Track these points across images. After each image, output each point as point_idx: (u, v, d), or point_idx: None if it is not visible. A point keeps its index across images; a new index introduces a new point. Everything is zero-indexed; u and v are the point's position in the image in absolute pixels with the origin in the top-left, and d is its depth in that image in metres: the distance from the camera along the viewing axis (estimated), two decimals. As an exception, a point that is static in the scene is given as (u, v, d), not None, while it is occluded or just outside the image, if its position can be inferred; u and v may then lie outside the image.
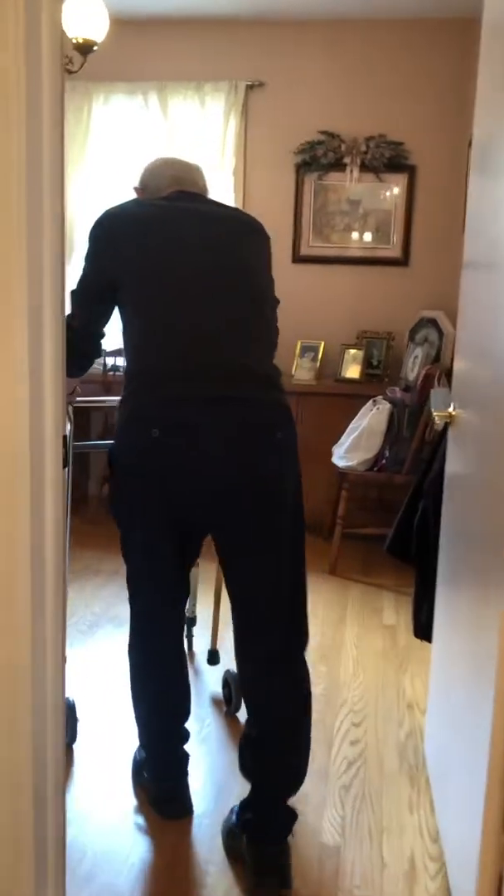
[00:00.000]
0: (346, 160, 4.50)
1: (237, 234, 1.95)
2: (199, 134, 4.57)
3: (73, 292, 1.98)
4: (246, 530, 1.86)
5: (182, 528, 1.92)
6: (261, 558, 1.87)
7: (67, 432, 2.50)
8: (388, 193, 4.55)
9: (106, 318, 2.00)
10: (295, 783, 1.94)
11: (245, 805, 1.96)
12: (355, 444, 3.92)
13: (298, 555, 1.92)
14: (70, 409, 2.43)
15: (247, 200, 4.65)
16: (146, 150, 4.62)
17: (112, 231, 1.92)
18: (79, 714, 2.52)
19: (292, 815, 1.93)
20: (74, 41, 3.03)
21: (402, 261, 4.59)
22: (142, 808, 2.15)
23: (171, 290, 1.84)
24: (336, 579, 3.82)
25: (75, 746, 2.42)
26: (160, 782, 2.15)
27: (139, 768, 2.26)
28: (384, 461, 3.87)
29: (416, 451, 3.72)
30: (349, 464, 3.88)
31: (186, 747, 2.14)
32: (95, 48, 3.07)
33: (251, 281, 1.92)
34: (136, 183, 2.13)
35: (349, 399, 4.20)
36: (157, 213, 1.92)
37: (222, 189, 4.57)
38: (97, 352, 2.07)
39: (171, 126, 4.58)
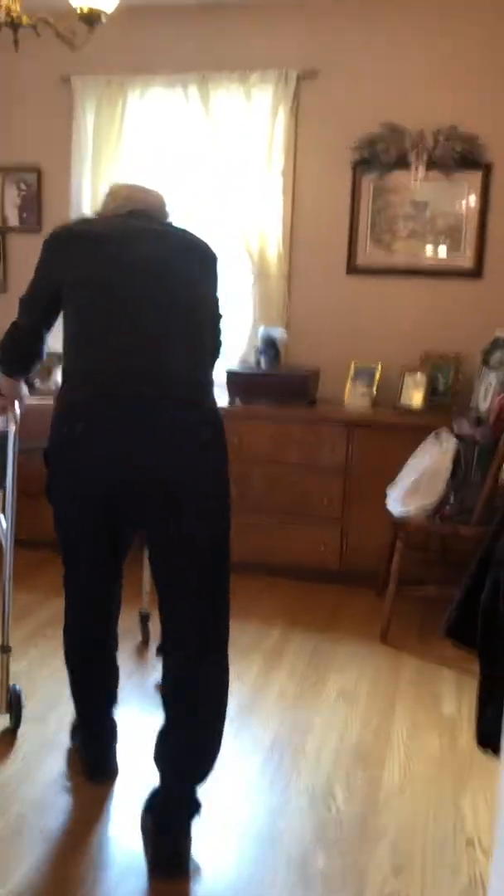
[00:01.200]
0: (411, 157, 3.91)
1: (180, 251, 2.11)
2: (243, 130, 4.05)
3: (21, 299, 2.18)
4: (167, 525, 1.98)
5: (108, 520, 2.03)
6: (181, 554, 2.00)
7: (11, 434, 2.51)
8: (459, 195, 3.94)
9: (51, 322, 2.18)
10: (203, 772, 2.01)
11: (154, 794, 2.04)
12: (414, 486, 3.30)
13: (221, 554, 2.02)
14: (18, 409, 2.45)
15: (296, 204, 4.11)
16: (186, 149, 4.15)
17: (60, 243, 2.10)
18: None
19: (197, 806, 2.01)
20: (79, 11, 2.56)
21: (475, 272, 3.97)
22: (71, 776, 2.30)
23: (109, 298, 2.00)
24: (387, 650, 3.20)
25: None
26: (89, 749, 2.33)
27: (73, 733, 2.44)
28: (448, 508, 3.24)
29: (488, 498, 3.08)
30: (406, 510, 3.27)
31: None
32: (104, 19, 2.60)
33: (188, 295, 2.06)
34: (98, 208, 2.29)
35: (409, 431, 3.59)
36: (105, 228, 2.11)
37: (269, 192, 4.05)
38: (41, 353, 2.26)
39: (214, 122, 4.08)
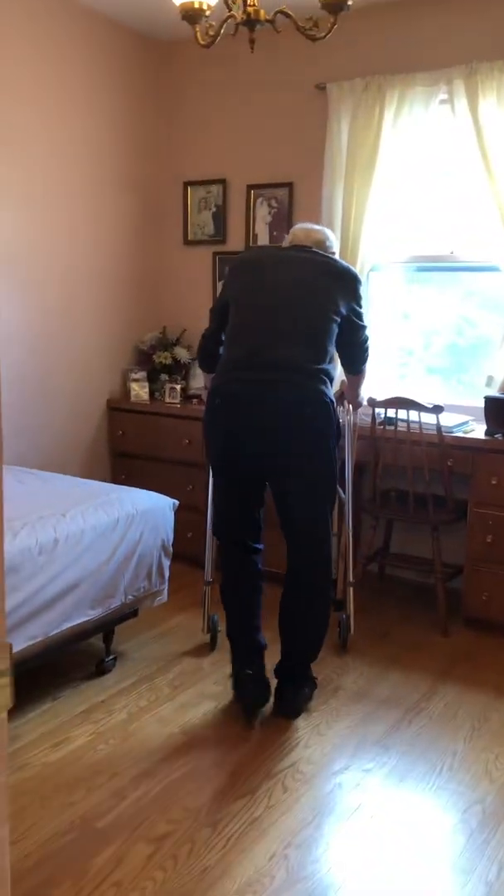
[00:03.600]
0: None
1: (315, 273, 2.71)
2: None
3: (210, 309, 2.97)
4: (279, 479, 2.69)
5: (238, 469, 2.72)
6: (290, 502, 2.69)
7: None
8: None
9: (224, 328, 2.83)
10: (312, 644, 2.81)
11: (278, 664, 2.83)
12: None
13: (324, 507, 2.72)
14: None
15: None
16: (451, 151, 3.74)
17: (232, 268, 2.89)
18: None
19: (311, 682, 2.84)
20: (321, -3, 2.27)
21: None
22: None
23: (249, 308, 2.71)
24: None
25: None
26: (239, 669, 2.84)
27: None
28: None
29: None
30: None
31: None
32: (350, 4, 2.28)
33: (310, 305, 2.67)
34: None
35: None
36: (261, 255, 2.93)
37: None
38: (219, 353, 2.86)
39: (482, 119, 3.59)
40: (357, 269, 3.94)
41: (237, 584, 2.82)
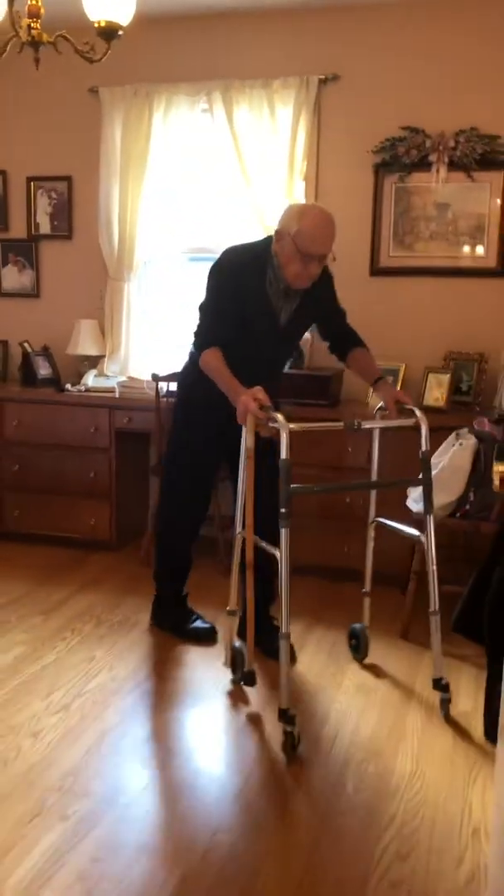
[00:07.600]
0: (432, 158, 3.95)
1: None
2: (266, 136, 4.12)
3: None
4: None
5: None
6: None
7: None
8: (481, 195, 3.96)
9: None
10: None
11: None
12: (434, 485, 3.33)
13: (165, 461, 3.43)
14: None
15: (320, 207, 4.16)
16: (210, 155, 4.24)
17: None
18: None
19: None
20: (96, 25, 2.65)
21: (499, 271, 3.98)
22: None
23: None
24: (408, 646, 3.24)
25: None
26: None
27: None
28: (468, 506, 3.27)
29: (506, 495, 3.12)
30: (426, 508, 3.30)
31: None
32: (120, 33, 2.68)
33: None
34: None
35: (432, 431, 3.59)
36: None
37: (292, 196, 4.11)
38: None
39: (237, 128, 4.15)
40: (134, 261, 4.38)
41: None
